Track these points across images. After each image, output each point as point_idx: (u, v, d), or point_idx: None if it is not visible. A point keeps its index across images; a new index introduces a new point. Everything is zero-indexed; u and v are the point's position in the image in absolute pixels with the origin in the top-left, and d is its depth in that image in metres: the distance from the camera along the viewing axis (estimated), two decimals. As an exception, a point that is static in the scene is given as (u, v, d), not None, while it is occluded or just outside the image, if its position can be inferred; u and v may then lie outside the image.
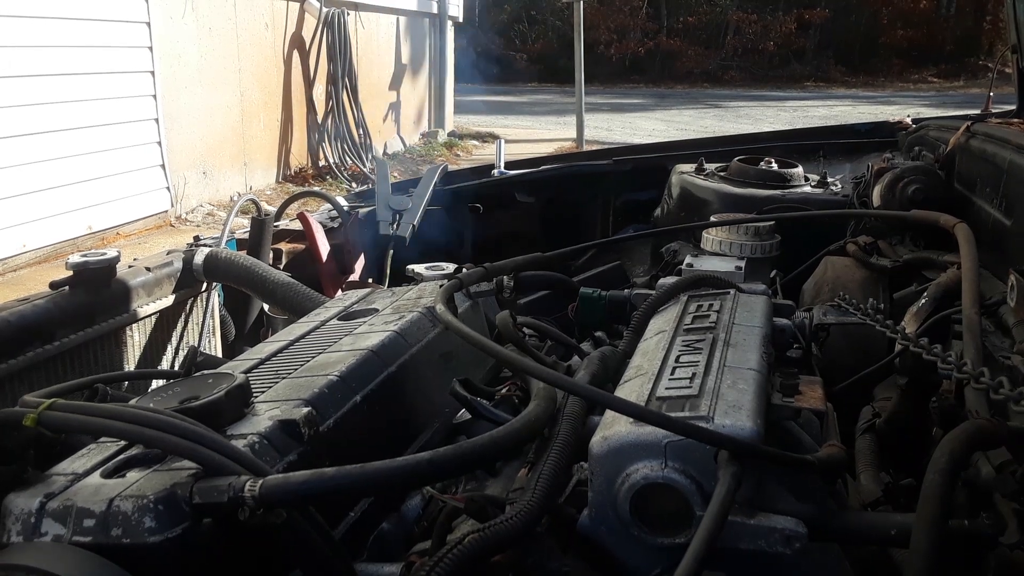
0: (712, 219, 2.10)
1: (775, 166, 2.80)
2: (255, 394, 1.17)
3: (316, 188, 8.23)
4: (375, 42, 11.18)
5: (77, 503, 0.92)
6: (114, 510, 0.90)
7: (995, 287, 1.73)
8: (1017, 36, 2.65)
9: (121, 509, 0.90)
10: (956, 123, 2.56)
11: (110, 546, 0.89)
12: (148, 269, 2.01)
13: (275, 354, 1.38)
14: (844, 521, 1.02)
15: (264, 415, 1.10)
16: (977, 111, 2.79)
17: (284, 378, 1.25)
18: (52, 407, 0.99)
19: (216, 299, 2.24)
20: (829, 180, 2.81)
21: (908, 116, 3.43)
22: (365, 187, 3.31)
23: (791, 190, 2.72)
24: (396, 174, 8.68)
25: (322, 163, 9.72)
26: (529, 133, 13.61)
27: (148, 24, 6.91)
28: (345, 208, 2.73)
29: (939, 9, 24.09)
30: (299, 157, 9.56)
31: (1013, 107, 2.82)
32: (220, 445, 0.96)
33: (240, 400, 1.11)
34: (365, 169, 9.57)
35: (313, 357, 1.33)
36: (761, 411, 1.01)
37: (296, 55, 9.38)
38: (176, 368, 2.02)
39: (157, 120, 7.11)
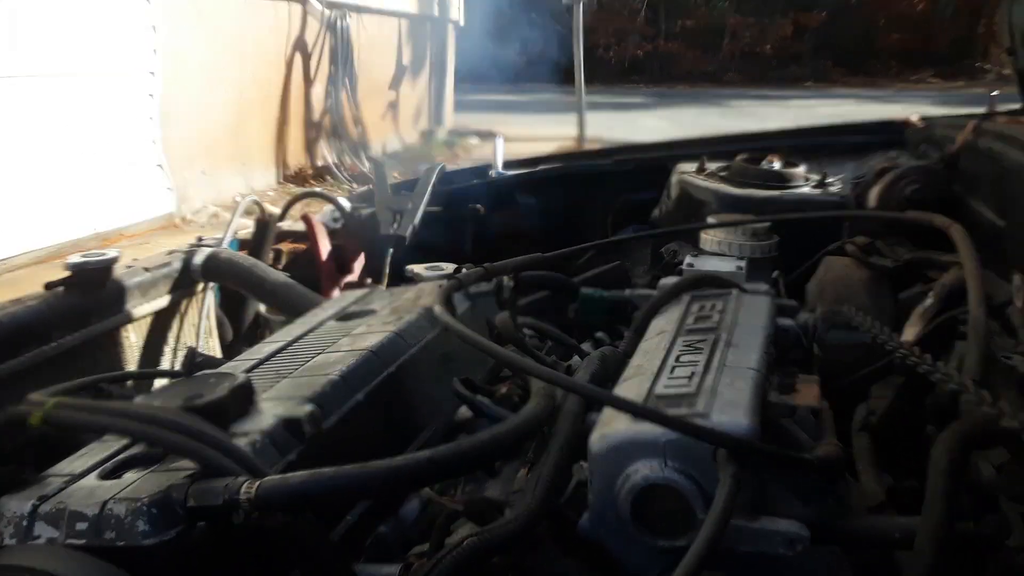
0: (709, 220, 2.08)
1: (777, 165, 2.78)
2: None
3: (319, 189, 8.22)
4: (376, 45, 11.18)
5: (70, 506, 0.91)
6: (107, 513, 0.89)
7: (998, 287, 1.72)
8: (1011, 39, 2.62)
9: (114, 512, 0.89)
10: (964, 121, 2.53)
11: (102, 549, 0.88)
12: (146, 269, 2.00)
13: (273, 355, 1.37)
14: (847, 524, 1.01)
15: (267, 413, 1.10)
16: (982, 110, 2.76)
17: (284, 378, 1.24)
18: (58, 405, 0.99)
19: (212, 300, 2.22)
20: (829, 180, 2.79)
21: (916, 114, 3.38)
22: (366, 188, 3.30)
23: (789, 191, 2.70)
24: (396, 174, 8.66)
25: (320, 163, 9.72)
26: (530, 132, 13.57)
27: (151, 26, 6.91)
28: (348, 209, 2.72)
29: (935, 11, 24.01)
30: (298, 157, 9.56)
31: (1017, 105, 2.80)
32: (226, 445, 0.96)
33: (244, 399, 1.11)
34: (364, 168, 9.57)
35: (312, 358, 1.32)
36: (757, 408, 1.00)
37: (298, 57, 9.38)
38: (176, 368, 2.01)
39: (159, 121, 7.11)
